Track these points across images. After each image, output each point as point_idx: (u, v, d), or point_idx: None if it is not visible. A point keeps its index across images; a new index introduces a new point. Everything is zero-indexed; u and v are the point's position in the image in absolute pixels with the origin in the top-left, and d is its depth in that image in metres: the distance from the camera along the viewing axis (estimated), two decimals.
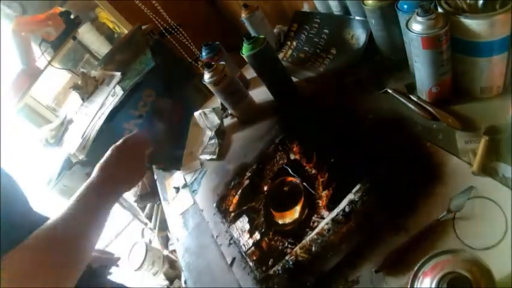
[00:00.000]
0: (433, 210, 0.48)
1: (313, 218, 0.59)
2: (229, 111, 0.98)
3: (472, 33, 0.47)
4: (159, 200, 1.01)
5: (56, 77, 2.04)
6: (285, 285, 0.55)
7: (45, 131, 1.39)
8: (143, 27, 1.32)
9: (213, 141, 0.95)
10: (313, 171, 0.66)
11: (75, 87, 1.30)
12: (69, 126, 1.33)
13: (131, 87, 1.10)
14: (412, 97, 0.63)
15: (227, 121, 1.00)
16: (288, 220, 0.63)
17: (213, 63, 0.83)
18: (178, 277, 1.79)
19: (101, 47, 1.83)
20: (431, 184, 0.51)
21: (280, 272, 0.57)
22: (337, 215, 0.56)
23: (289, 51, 0.98)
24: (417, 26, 0.49)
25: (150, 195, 1.65)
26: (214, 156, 0.91)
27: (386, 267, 0.47)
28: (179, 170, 0.99)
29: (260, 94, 0.94)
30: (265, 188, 0.71)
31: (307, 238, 0.57)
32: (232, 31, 1.60)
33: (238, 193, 0.75)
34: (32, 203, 0.60)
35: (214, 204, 0.78)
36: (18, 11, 1.45)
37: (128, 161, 0.60)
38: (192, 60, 1.28)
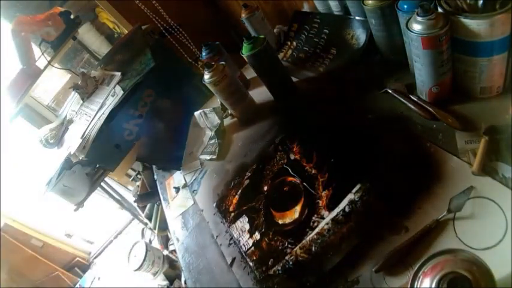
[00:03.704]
0: (433, 210, 0.48)
1: (313, 218, 0.59)
2: (229, 111, 0.98)
3: (472, 33, 0.47)
4: (159, 200, 1.01)
5: (56, 77, 2.04)
6: (285, 285, 0.55)
7: (45, 131, 1.39)
8: (143, 27, 1.32)
9: (213, 141, 0.95)
10: (313, 171, 0.66)
11: (75, 87, 1.30)
12: (69, 126, 1.33)
13: (131, 87, 1.10)
14: (412, 97, 0.63)
15: (227, 121, 1.00)
16: (288, 220, 0.63)
17: (213, 63, 0.83)
18: (178, 277, 1.79)
19: (101, 47, 1.83)
20: (431, 184, 0.51)
21: (280, 272, 0.57)
22: (337, 215, 0.56)
23: (289, 51, 0.98)
24: (417, 26, 0.49)
25: (150, 195, 1.65)
26: (214, 156, 0.91)
27: (386, 267, 0.47)
28: (179, 170, 0.99)
29: (260, 94, 0.94)
30: (265, 188, 0.71)
31: (307, 238, 0.57)
32: (232, 31, 1.60)
33: (238, 193, 0.75)
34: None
35: (214, 204, 0.78)
36: None
37: None
38: (192, 60, 1.28)
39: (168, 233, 1.75)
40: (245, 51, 0.79)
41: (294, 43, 0.97)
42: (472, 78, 0.54)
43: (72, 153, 1.12)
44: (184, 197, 0.90)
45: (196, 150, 0.99)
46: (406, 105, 0.63)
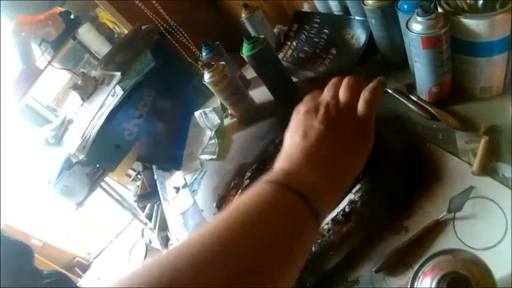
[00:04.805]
0: (433, 210, 0.48)
1: None
2: (229, 111, 0.98)
3: (472, 33, 0.47)
4: (159, 200, 1.01)
5: (56, 77, 2.05)
6: None
7: (45, 131, 1.39)
8: (143, 27, 1.32)
9: (213, 141, 0.95)
10: None
11: (75, 87, 1.30)
12: (69, 126, 1.33)
13: (131, 87, 1.10)
14: (412, 97, 0.63)
15: (227, 121, 1.00)
16: None
17: (213, 63, 0.83)
18: None
19: (101, 47, 1.83)
20: (431, 184, 0.51)
21: None
22: (337, 215, 0.56)
23: (289, 51, 0.98)
24: (417, 26, 0.49)
25: (150, 195, 1.66)
26: (214, 156, 0.91)
27: (386, 267, 0.47)
28: (179, 170, 0.99)
29: (260, 94, 0.94)
30: None
31: None
32: (232, 31, 1.60)
33: (239, 193, 0.75)
34: None
35: (214, 204, 0.78)
36: None
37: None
38: (192, 60, 1.28)
39: (168, 233, 1.75)
40: (245, 51, 0.79)
41: (294, 43, 0.97)
42: (472, 78, 0.54)
43: (72, 153, 1.12)
44: (184, 197, 0.90)
45: (196, 150, 0.99)
46: (406, 105, 0.63)
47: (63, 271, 2.71)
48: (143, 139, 1.15)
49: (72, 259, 2.97)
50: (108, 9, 1.50)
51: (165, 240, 1.88)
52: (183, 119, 1.12)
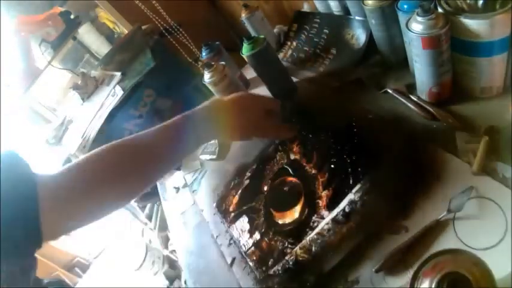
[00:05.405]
0: (433, 210, 0.48)
1: (313, 218, 0.59)
2: None
3: (472, 33, 0.47)
4: (159, 200, 1.01)
5: (56, 77, 2.04)
6: (285, 285, 0.55)
7: (45, 131, 1.39)
8: (143, 27, 1.32)
9: (213, 141, 0.95)
10: (313, 171, 0.66)
11: (75, 87, 1.30)
12: (69, 126, 1.33)
13: (131, 87, 1.10)
14: (412, 97, 0.63)
15: None
16: (288, 220, 0.63)
17: (213, 63, 0.83)
18: (179, 277, 1.79)
19: (101, 47, 1.83)
20: (431, 184, 0.51)
21: (280, 272, 0.57)
22: (337, 215, 0.56)
23: (289, 51, 0.98)
24: (417, 26, 0.49)
25: (150, 195, 1.65)
26: (214, 156, 0.91)
27: (386, 267, 0.47)
28: (179, 170, 0.99)
29: (260, 94, 0.94)
30: (265, 188, 0.71)
31: (307, 238, 0.57)
32: (232, 31, 1.60)
33: (238, 193, 0.75)
34: None
35: (214, 204, 0.78)
36: None
37: (243, 112, 0.61)
38: (192, 60, 1.28)
39: (168, 233, 1.75)
40: (245, 51, 0.79)
41: (294, 43, 0.97)
42: (472, 78, 0.54)
43: (72, 153, 1.12)
44: (184, 197, 0.90)
45: None
46: (406, 105, 0.63)
47: (64, 271, 2.72)
48: None
49: (72, 259, 2.97)
50: (108, 9, 1.50)
51: (165, 240, 1.88)
52: None
